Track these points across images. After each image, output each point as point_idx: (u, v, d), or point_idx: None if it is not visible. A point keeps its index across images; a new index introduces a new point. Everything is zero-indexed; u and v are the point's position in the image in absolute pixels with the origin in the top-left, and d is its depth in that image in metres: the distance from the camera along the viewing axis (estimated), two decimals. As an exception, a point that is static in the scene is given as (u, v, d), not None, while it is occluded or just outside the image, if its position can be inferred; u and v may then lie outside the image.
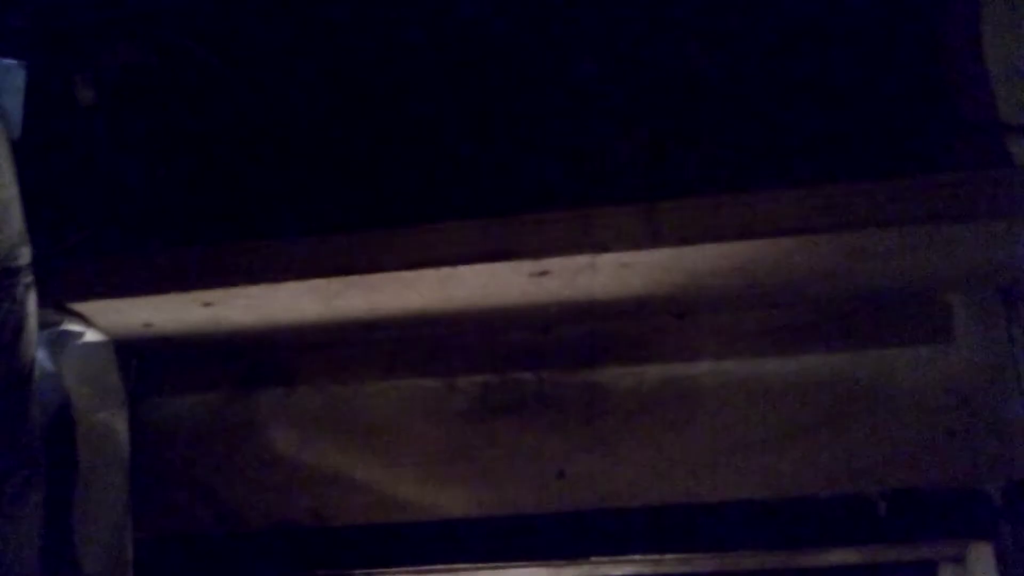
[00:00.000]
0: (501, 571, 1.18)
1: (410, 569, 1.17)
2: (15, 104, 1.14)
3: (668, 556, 1.15)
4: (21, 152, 1.08)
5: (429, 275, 1.02)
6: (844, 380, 1.14)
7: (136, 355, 1.21)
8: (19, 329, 1.00)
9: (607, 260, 1.00)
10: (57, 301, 1.07)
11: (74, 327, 1.09)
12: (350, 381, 1.21)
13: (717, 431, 1.15)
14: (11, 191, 1.03)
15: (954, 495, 1.10)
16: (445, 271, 1.02)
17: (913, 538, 1.11)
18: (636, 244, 0.98)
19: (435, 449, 1.19)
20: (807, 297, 1.14)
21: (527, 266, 1.01)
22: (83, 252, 1.12)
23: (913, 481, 1.10)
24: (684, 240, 0.97)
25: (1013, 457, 1.09)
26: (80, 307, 1.08)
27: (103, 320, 1.11)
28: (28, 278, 1.02)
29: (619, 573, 1.19)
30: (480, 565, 1.17)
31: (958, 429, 1.11)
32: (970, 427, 1.11)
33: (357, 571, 1.18)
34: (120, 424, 1.14)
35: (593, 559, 1.15)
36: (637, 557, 1.15)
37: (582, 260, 1.00)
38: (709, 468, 1.14)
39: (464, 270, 1.01)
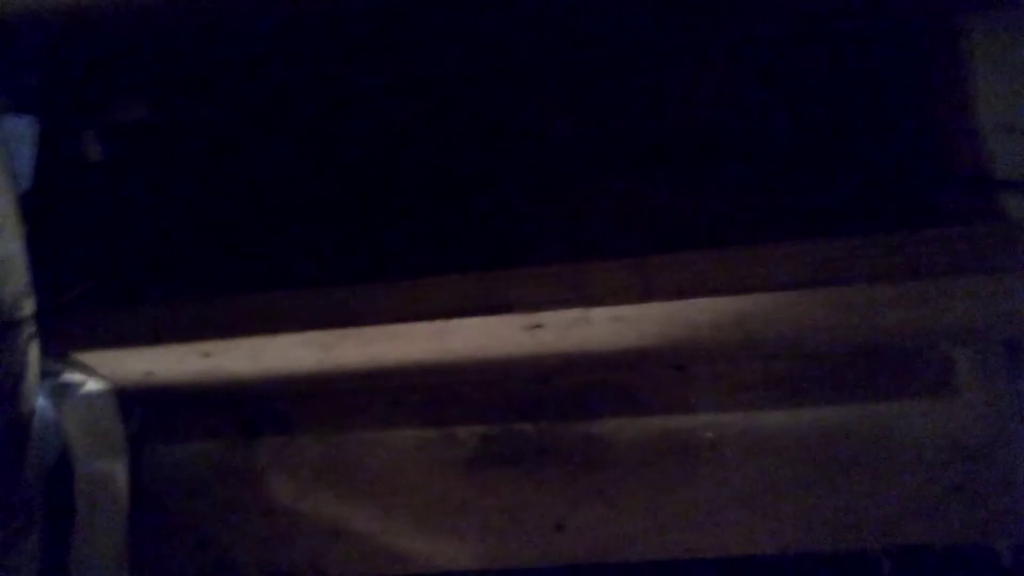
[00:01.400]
0: (498, 625, 1.17)
1: (406, 623, 1.17)
2: (25, 159, 1.18)
3: (667, 613, 1.13)
4: (28, 206, 1.11)
5: (423, 328, 1.03)
6: (846, 433, 1.13)
7: (138, 403, 1.22)
8: (20, 379, 1.02)
9: (600, 314, 1.00)
10: (59, 352, 1.08)
11: (76, 377, 1.10)
12: (348, 430, 1.22)
13: (718, 484, 1.14)
14: (17, 244, 1.05)
15: (961, 552, 1.08)
16: (439, 324, 1.02)
17: (919, 597, 1.09)
18: (628, 298, 0.98)
19: (434, 500, 1.18)
20: (806, 350, 1.14)
21: (521, 319, 1.01)
22: (86, 304, 1.14)
23: (919, 538, 1.09)
24: (676, 294, 0.97)
25: (1022, 514, 1.07)
26: (82, 357, 1.10)
27: (105, 369, 1.12)
28: (31, 329, 1.05)
29: (618, 629, 1.17)
30: (477, 619, 1.16)
31: (965, 485, 1.09)
32: (977, 483, 1.09)
33: (353, 624, 1.18)
34: (120, 472, 1.15)
35: (591, 614, 1.13)
36: (636, 613, 1.13)
37: (575, 314, 1.00)
38: (710, 522, 1.13)
39: (458, 323, 1.02)
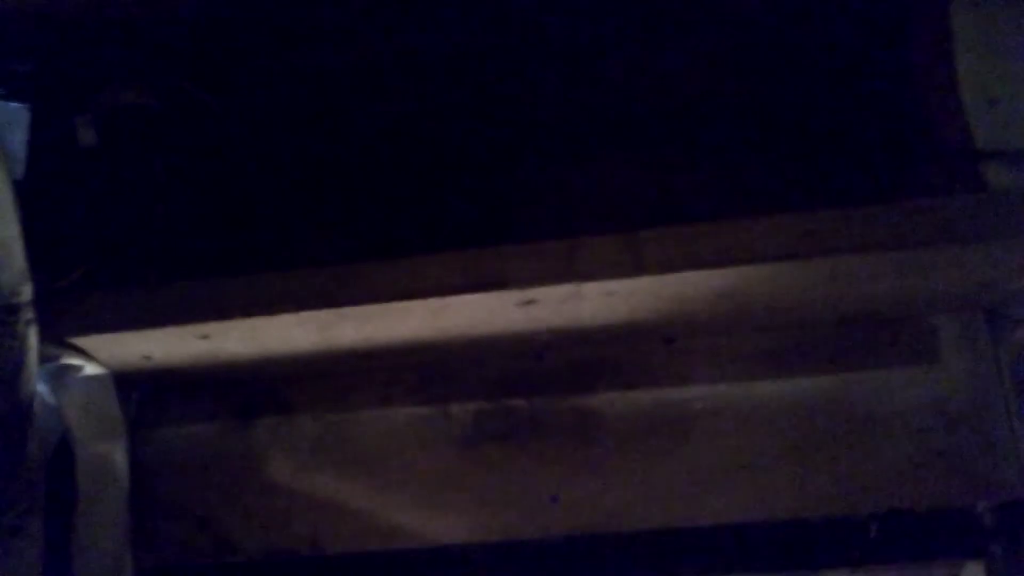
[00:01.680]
0: (496, 596, 1.19)
1: (406, 595, 1.18)
2: (19, 145, 1.18)
3: (662, 580, 1.15)
4: (24, 191, 1.12)
5: (419, 306, 1.04)
6: (833, 402, 1.15)
7: (136, 387, 1.23)
8: (20, 364, 1.03)
9: (592, 288, 1.02)
10: (58, 336, 1.09)
11: (74, 361, 1.11)
12: (345, 409, 1.23)
13: (709, 455, 1.16)
14: (14, 230, 1.06)
15: (945, 516, 1.11)
16: (435, 302, 1.04)
17: (905, 559, 1.11)
18: (619, 273, 1.00)
19: (430, 476, 1.20)
20: (794, 321, 1.16)
21: (514, 295, 1.03)
22: (83, 288, 1.14)
23: (904, 502, 1.11)
24: (666, 268, 0.99)
25: (1003, 477, 1.10)
26: (81, 341, 1.10)
27: (103, 353, 1.13)
28: (30, 314, 1.05)
29: (613, 597, 1.20)
30: (475, 590, 1.18)
31: (948, 450, 1.12)
32: (960, 448, 1.12)
33: (354, 598, 1.19)
34: (120, 455, 1.16)
35: (587, 583, 1.16)
36: (631, 581, 1.16)
37: (567, 289, 1.02)
38: (702, 491, 1.15)
39: (453, 300, 1.03)
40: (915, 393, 1.14)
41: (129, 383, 1.20)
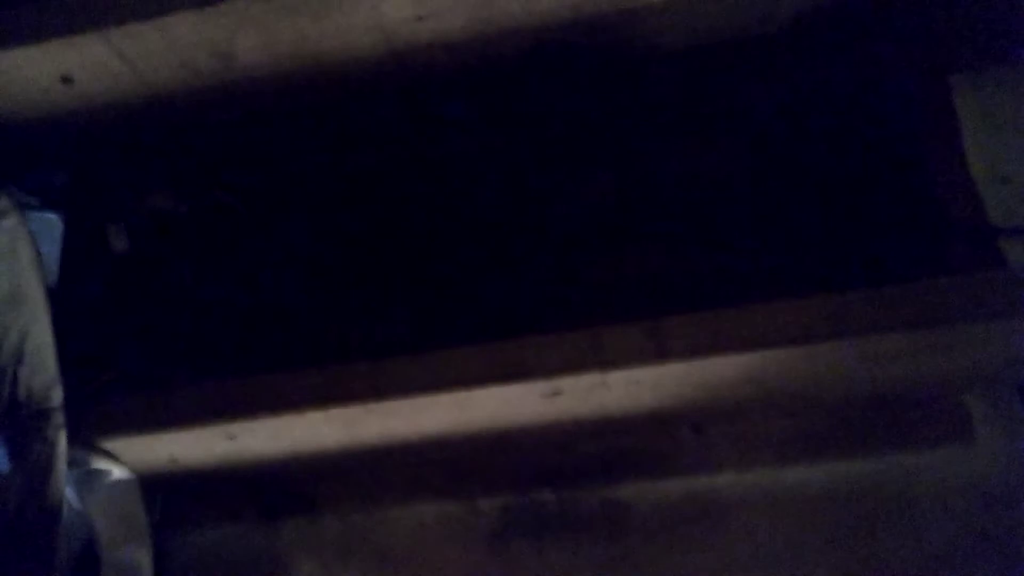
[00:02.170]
0: None
1: None
2: (52, 253, 1.22)
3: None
4: (54, 297, 1.15)
5: (445, 399, 1.05)
6: (868, 487, 1.13)
7: (161, 490, 1.23)
8: (50, 469, 1.04)
9: (617, 377, 1.02)
10: (86, 440, 1.10)
11: (102, 466, 1.12)
12: (371, 507, 1.22)
13: (743, 544, 1.13)
14: (46, 335, 1.09)
15: (992, 600, 1.08)
16: (460, 394, 1.04)
17: (950, 645, 1.07)
18: (644, 360, 1.00)
19: (459, 573, 1.18)
20: (823, 405, 1.15)
21: (539, 386, 1.03)
22: (113, 390, 1.15)
23: (947, 587, 1.08)
24: (691, 354, 0.99)
25: (1049, 557, 1.07)
26: (109, 444, 1.11)
27: (130, 456, 1.13)
28: (59, 419, 1.07)
29: None
30: None
31: (990, 530, 1.09)
32: (998, 527, 1.09)
33: None
34: (144, 559, 1.15)
35: None
36: None
37: (592, 378, 1.02)
38: (738, 583, 1.12)
39: (478, 392, 1.04)
40: (951, 474, 1.12)
41: (154, 486, 1.20)
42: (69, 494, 1.09)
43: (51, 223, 1.26)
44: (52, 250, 1.23)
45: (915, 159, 1.06)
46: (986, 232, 1.00)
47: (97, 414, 1.11)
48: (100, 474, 1.12)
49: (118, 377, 1.16)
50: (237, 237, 1.25)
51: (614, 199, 1.17)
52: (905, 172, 1.07)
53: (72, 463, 1.08)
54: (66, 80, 1.16)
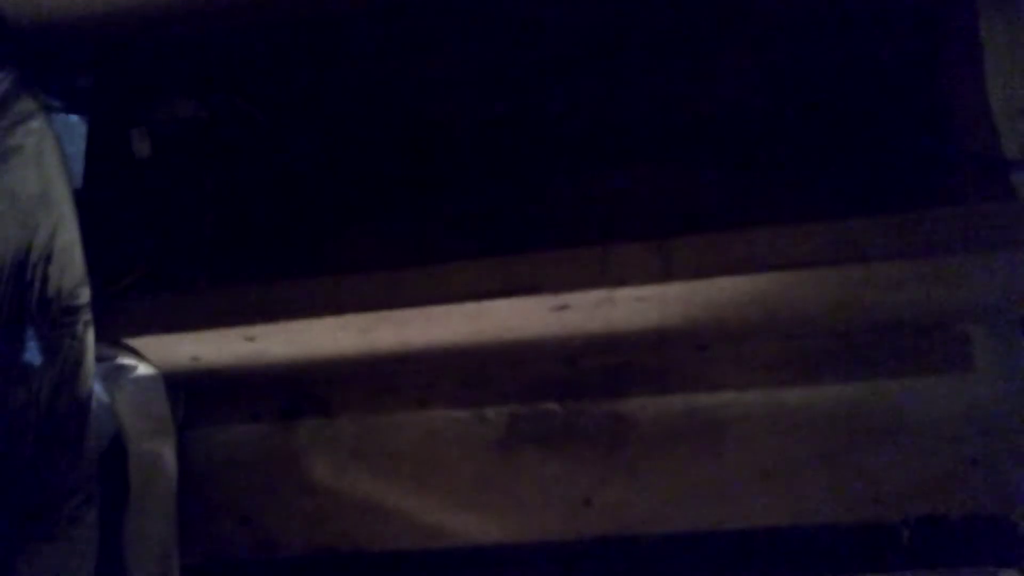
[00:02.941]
0: (529, 596, 1.21)
1: (441, 594, 1.21)
2: (76, 156, 1.24)
3: (692, 582, 1.16)
4: (80, 200, 1.17)
5: (456, 310, 1.07)
6: (866, 409, 1.15)
7: (183, 388, 1.27)
8: (79, 363, 1.08)
9: (624, 294, 1.04)
10: (113, 337, 1.14)
11: (128, 361, 1.16)
12: (384, 411, 1.26)
13: (741, 460, 1.17)
14: (74, 235, 1.12)
15: (979, 523, 1.10)
16: (471, 306, 1.06)
17: (937, 566, 1.11)
18: (650, 278, 1.02)
19: (465, 478, 1.22)
20: (825, 328, 1.16)
21: (548, 300, 1.05)
22: (137, 291, 1.19)
23: (937, 509, 1.11)
24: (696, 274, 1.01)
25: (1039, 485, 1.10)
26: (133, 342, 1.15)
27: (154, 354, 1.18)
28: (87, 316, 1.11)
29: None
30: (508, 590, 1.20)
31: (981, 458, 1.12)
32: (994, 456, 1.11)
33: (391, 594, 1.22)
34: (168, 453, 1.20)
35: (618, 584, 1.17)
36: (662, 583, 1.17)
37: (599, 294, 1.04)
38: (733, 496, 1.16)
39: (489, 305, 1.06)
40: (948, 401, 1.14)
41: (177, 384, 1.25)
42: (97, 388, 1.13)
43: (75, 126, 1.28)
44: (76, 153, 1.25)
45: (934, 87, 1.05)
46: (998, 164, 0.99)
47: (122, 314, 1.15)
48: (126, 369, 1.16)
49: (141, 279, 1.20)
50: (257, 147, 1.26)
51: (626, 118, 1.17)
52: (921, 97, 1.05)
53: (99, 358, 1.13)
54: (90, -18, 1.16)
